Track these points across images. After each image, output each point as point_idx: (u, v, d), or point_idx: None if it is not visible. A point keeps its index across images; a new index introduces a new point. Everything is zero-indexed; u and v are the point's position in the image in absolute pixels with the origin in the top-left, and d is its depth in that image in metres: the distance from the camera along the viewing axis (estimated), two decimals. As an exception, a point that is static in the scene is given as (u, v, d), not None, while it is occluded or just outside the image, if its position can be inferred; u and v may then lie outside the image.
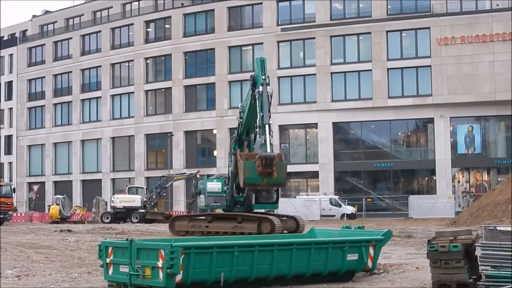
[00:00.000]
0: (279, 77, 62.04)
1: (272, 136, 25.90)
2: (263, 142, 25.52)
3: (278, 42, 62.83)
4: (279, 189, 29.34)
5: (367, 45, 60.17)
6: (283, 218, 29.20)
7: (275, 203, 29.31)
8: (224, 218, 29.33)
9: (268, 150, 25.22)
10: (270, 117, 26.07)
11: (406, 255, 19.93)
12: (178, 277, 11.92)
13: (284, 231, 27.39)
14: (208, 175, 32.95)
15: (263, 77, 26.71)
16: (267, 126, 25.67)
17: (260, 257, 12.87)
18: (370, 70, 59.63)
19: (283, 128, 61.28)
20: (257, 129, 26.54)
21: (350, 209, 53.92)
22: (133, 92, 69.79)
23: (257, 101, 26.45)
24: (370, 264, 14.39)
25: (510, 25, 55.87)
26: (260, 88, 26.37)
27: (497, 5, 57.21)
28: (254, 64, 28.07)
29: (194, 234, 28.53)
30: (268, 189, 28.32)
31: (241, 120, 29.01)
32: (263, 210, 29.31)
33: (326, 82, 60.42)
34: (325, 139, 60.22)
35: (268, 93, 26.50)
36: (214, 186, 30.26)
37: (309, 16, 62.62)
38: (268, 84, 26.78)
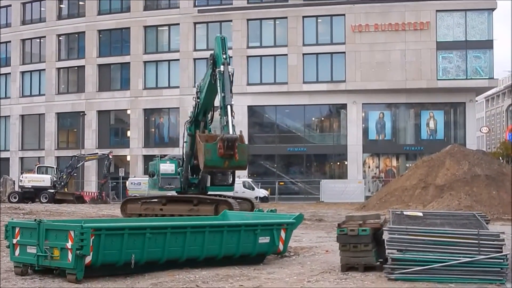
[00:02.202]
0: (195, 59, 61.80)
1: (234, 117, 24.77)
2: (225, 123, 24.40)
3: (195, 23, 62.43)
4: (235, 171, 28.66)
5: (283, 29, 60.57)
6: (238, 200, 28.68)
7: (230, 186, 28.71)
8: (179, 200, 28.52)
9: (231, 132, 24.21)
10: (232, 97, 25.09)
11: (317, 238, 20.26)
12: (88, 259, 11.75)
13: None
14: (161, 156, 31.85)
15: (224, 56, 25.50)
16: (229, 107, 24.60)
17: (172, 239, 12.82)
18: (286, 54, 60.10)
19: (198, 110, 61.03)
20: (219, 110, 25.63)
21: (263, 192, 54.40)
22: (44, 70, 68.01)
23: (218, 81, 25.34)
24: (281, 247, 14.54)
25: (421, 15, 57.49)
26: (221, 68, 25.17)
27: (410, -5, 58.69)
28: (214, 42, 26.55)
29: (147, 217, 27.13)
30: (224, 172, 27.70)
31: (198, 100, 27.86)
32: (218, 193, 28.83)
33: (242, 65, 60.48)
34: (240, 122, 59.99)
35: (230, 73, 25.45)
36: (167, 168, 29.21)
37: (227, -2, 62.52)
38: (229, 63, 25.69)
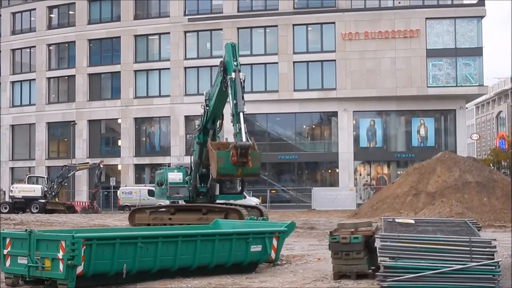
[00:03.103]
0: (185, 68, 61.85)
1: (246, 125, 24.43)
2: (238, 130, 24.18)
3: (185, 32, 62.45)
4: (244, 179, 28.41)
5: (274, 38, 60.67)
6: (247, 208, 28.35)
7: (239, 194, 28.61)
8: (188, 209, 28.22)
9: (244, 139, 23.94)
10: (244, 104, 24.69)
11: (309, 246, 20.26)
12: (79, 269, 11.71)
13: None
14: (169, 165, 31.49)
15: (235, 63, 25.12)
16: (241, 114, 24.31)
17: (163, 249, 12.79)
18: (277, 62, 60.18)
19: (188, 119, 60.92)
20: (231, 117, 25.35)
21: (254, 201, 54.19)
22: (34, 79, 67.86)
23: (229, 88, 24.94)
24: (273, 255, 14.52)
25: (411, 22, 57.72)
26: (233, 75, 24.71)
27: (399, 2, 59.00)
28: (224, 49, 26.13)
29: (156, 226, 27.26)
30: (233, 180, 27.57)
31: (207, 108, 27.72)
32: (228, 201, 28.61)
33: (232, 74, 60.34)
34: (231, 130, 60.09)
35: (241, 80, 24.93)
36: (175, 176, 29.02)
37: (217, 7, 62.59)
38: (240, 70, 25.21)
